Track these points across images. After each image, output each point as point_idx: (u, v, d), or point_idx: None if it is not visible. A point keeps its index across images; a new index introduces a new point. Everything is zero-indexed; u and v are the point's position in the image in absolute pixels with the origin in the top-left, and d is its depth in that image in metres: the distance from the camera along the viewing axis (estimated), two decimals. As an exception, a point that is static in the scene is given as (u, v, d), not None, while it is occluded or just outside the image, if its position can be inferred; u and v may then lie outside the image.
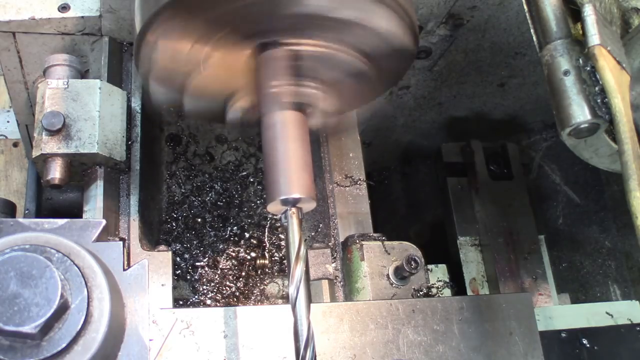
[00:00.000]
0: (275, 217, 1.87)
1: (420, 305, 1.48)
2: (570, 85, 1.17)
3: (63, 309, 0.92)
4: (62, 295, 0.92)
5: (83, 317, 0.94)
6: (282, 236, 1.86)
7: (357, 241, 1.64)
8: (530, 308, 1.54)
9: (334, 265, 1.67)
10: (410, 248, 1.63)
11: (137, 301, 1.05)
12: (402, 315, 1.46)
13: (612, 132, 1.14)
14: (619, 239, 2.33)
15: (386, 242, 1.63)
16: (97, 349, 0.93)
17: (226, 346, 1.35)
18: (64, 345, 0.92)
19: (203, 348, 1.34)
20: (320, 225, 1.77)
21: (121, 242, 1.07)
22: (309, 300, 1.20)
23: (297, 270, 1.19)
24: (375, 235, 1.67)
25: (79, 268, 0.97)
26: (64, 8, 1.65)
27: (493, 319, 1.50)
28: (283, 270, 1.82)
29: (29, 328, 0.89)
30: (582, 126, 1.15)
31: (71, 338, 0.92)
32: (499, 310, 1.51)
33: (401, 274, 1.58)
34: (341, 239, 1.71)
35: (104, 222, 1.06)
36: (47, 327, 0.91)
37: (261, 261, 1.82)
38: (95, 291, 0.96)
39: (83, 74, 1.71)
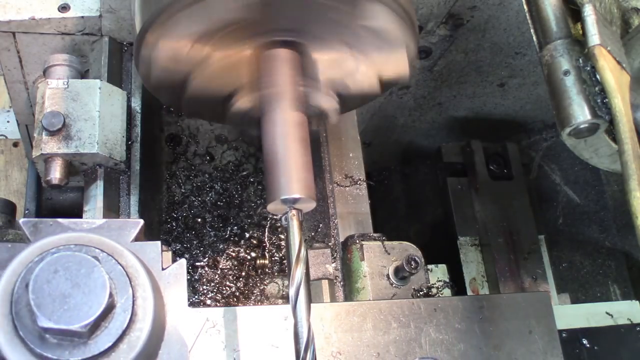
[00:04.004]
0: (275, 217, 1.87)
1: (442, 304, 1.49)
2: (570, 85, 1.17)
3: (110, 308, 0.93)
4: (110, 294, 0.92)
5: (128, 316, 0.94)
6: (282, 236, 1.86)
7: (357, 241, 1.64)
8: (548, 307, 1.55)
9: (334, 265, 1.67)
10: (410, 248, 1.63)
11: (176, 300, 1.05)
12: (424, 313, 1.46)
13: (612, 132, 1.14)
14: (619, 239, 2.33)
15: (386, 242, 1.63)
16: (142, 348, 0.94)
17: (251, 345, 1.36)
18: (110, 344, 0.92)
19: (229, 347, 1.35)
20: (320, 225, 1.77)
21: (159, 242, 1.07)
22: (310, 302, 1.20)
23: (298, 272, 1.19)
24: (375, 235, 1.67)
25: (122, 267, 0.97)
26: (64, 8, 1.65)
27: (513, 318, 1.51)
28: (283, 270, 1.82)
29: (79, 327, 0.89)
30: (582, 126, 1.15)
31: (117, 337, 0.93)
32: (518, 309, 1.52)
33: (401, 274, 1.58)
34: (341, 239, 1.71)
35: (141, 222, 1.06)
36: (95, 326, 0.92)
37: (261, 261, 1.82)
38: (138, 290, 0.97)
39: (83, 74, 1.71)
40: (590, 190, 2.43)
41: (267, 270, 1.81)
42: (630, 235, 2.26)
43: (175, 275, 1.06)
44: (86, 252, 0.95)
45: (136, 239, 1.04)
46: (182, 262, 1.08)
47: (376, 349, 1.42)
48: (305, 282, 1.20)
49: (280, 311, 1.40)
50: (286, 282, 1.78)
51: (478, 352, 1.46)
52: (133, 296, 0.96)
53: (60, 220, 1.02)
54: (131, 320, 0.94)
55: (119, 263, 0.97)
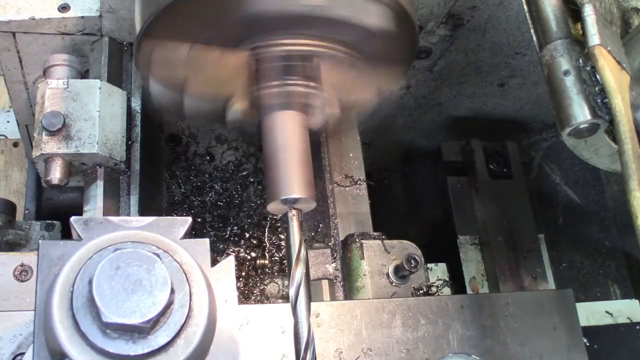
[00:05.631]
0: (275, 217, 1.87)
1: (468, 301, 1.52)
2: (570, 85, 1.17)
3: (169, 304, 0.94)
4: (172, 290, 0.94)
5: (186, 312, 0.96)
6: (282, 236, 1.87)
7: (357, 240, 1.64)
8: (572, 304, 1.58)
9: (334, 265, 1.67)
10: (410, 247, 1.63)
11: (226, 296, 1.06)
12: (451, 310, 1.50)
13: (612, 132, 1.14)
14: (619, 239, 2.33)
15: (386, 241, 1.64)
16: (198, 343, 0.95)
17: (284, 342, 1.37)
18: (168, 339, 0.93)
19: (262, 344, 1.37)
20: (320, 225, 1.77)
21: (207, 239, 1.08)
22: (309, 302, 1.20)
23: (297, 272, 1.19)
24: (375, 234, 1.67)
25: (178, 264, 0.99)
26: (64, 8, 1.65)
27: (537, 315, 1.54)
28: (283, 270, 1.82)
29: (142, 322, 0.91)
30: (582, 126, 1.15)
31: (175, 332, 0.94)
32: (543, 305, 1.55)
33: (401, 273, 1.59)
34: (341, 239, 1.71)
35: (190, 220, 1.08)
36: (156, 321, 0.93)
37: (261, 261, 1.82)
38: (194, 286, 0.98)
39: (83, 74, 1.71)
40: (590, 190, 2.43)
41: (267, 270, 1.81)
42: (630, 235, 2.26)
43: (224, 272, 1.07)
44: (143, 249, 0.97)
45: (183, 237, 1.06)
46: (231, 259, 1.09)
47: (405, 345, 1.44)
48: (305, 282, 1.20)
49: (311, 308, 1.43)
50: (286, 282, 1.78)
51: (504, 348, 1.49)
52: (189, 292, 0.97)
53: (110, 218, 1.03)
54: (188, 316, 0.96)
55: (175, 260, 0.99)
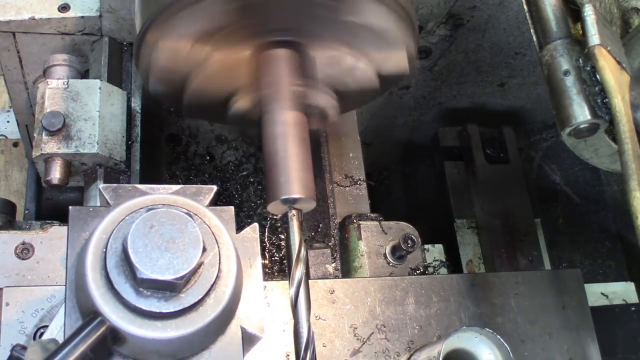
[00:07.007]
0: (275, 217, 1.87)
1: (479, 279, 1.56)
2: (570, 85, 1.17)
3: (201, 262, 0.97)
4: (204, 249, 0.96)
5: (216, 272, 0.98)
6: (282, 236, 1.86)
7: (355, 221, 1.65)
8: (580, 283, 1.63)
9: (334, 265, 1.67)
10: (407, 228, 1.65)
11: (251, 262, 1.09)
12: (462, 288, 1.53)
13: (612, 132, 1.14)
14: (619, 239, 2.33)
15: (383, 222, 1.66)
16: (227, 302, 0.98)
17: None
18: (199, 297, 0.96)
19: (278, 319, 1.41)
20: (320, 225, 1.77)
21: (232, 207, 1.10)
22: (309, 302, 1.20)
23: (297, 272, 1.20)
24: (372, 215, 1.69)
25: (208, 226, 1.02)
26: (64, 8, 1.65)
27: (547, 294, 1.58)
28: (283, 270, 1.82)
29: (176, 278, 0.93)
30: (582, 126, 1.16)
31: (205, 292, 0.96)
32: (552, 285, 1.59)
33: (398, 253, 1.60)
34: (339, 221, 1.72)
35: (215, 188, 1.10)
36: (187, 279, 0.95)
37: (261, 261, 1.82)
38: (222, 248, 1.01)
39: (83, 74, 1.71)
40: (590, 190, 2.43)
41: (267, 270, 1.81)
42: (630, 235, 2.26)
43: (249, 239, 1.10)
44: (176, 210, 0.99)
45: (209, 205, 1.08)
46: (255, 226, 1.12)
47: (418, 322, 1.48)
48: (305, 282, 1.20)
49: (324, 285, 1.47)
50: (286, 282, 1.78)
51: (515, 325, 1.53)
52: (219, 253, 1.00)
53: (138, 185, 1.07)
54: (217, 277, 0.98)
55: (204, 222, 1.02)
